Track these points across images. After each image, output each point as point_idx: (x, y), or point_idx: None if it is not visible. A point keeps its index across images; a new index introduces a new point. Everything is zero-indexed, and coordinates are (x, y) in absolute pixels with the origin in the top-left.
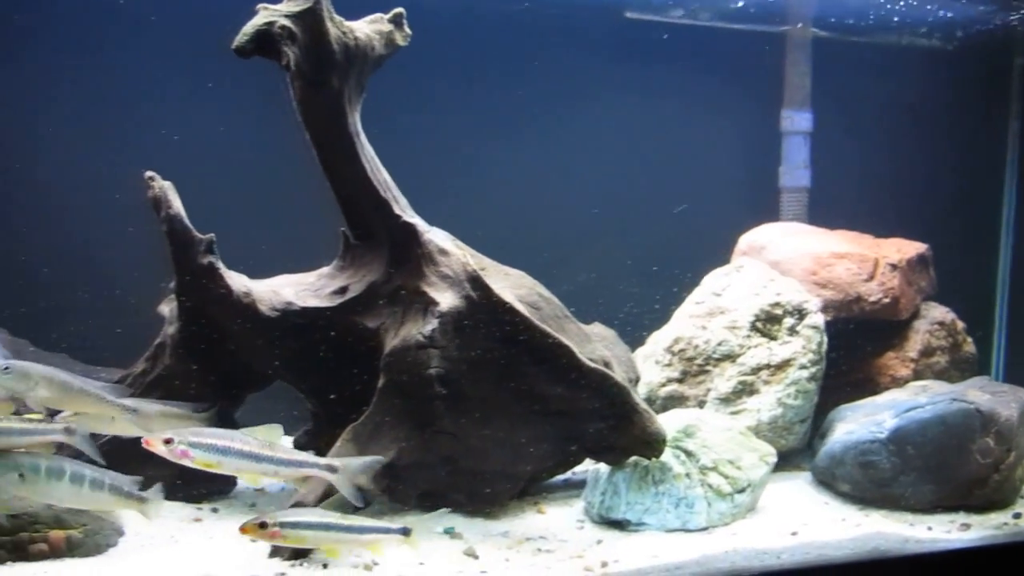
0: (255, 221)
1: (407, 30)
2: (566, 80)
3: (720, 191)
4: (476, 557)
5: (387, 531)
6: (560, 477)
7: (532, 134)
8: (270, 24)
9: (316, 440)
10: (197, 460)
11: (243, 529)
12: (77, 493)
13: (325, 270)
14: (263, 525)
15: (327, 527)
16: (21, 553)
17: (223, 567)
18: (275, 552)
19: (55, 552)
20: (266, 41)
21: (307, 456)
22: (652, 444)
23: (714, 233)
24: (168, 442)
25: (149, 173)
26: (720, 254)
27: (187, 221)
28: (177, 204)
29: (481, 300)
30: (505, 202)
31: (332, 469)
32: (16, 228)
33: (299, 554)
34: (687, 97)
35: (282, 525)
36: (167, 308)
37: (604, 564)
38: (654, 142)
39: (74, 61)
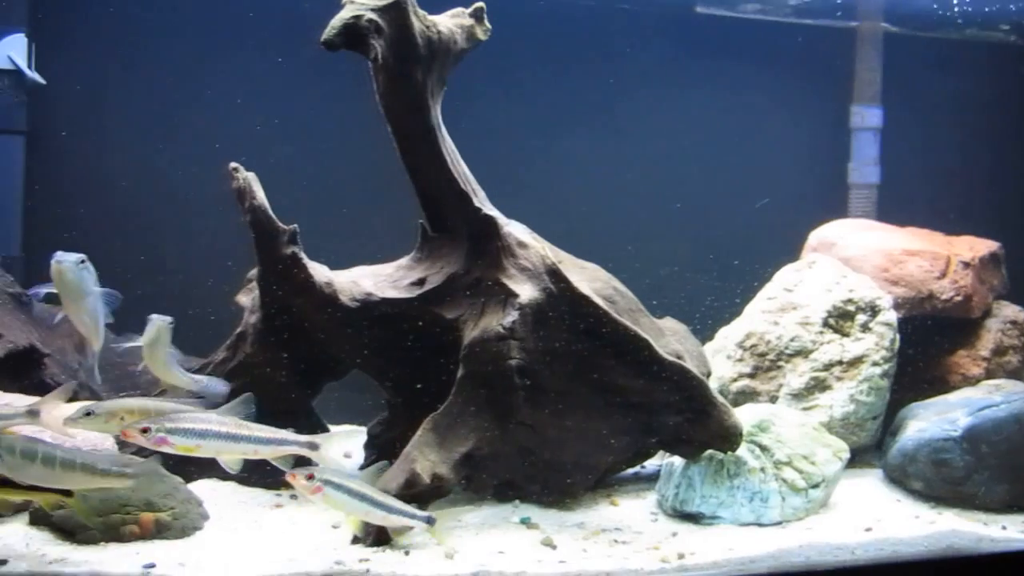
0: (330, 212)
1: (487, 24)
2: (638, 75)
3: (789, 187)
4: (554, 547)
5: (414, 516)
6: (630, 470)
7: (607, 129)
8: (357, 18)
9: (391, 429)
10: (177, 446)
11: (290, 476)
12: (50, 472)
13: (403, 261)
14: (309, 478)
15: (363, 498)
16: (114, 534)
17: (307, 552)
18: (358, 539)
19: (145, 534)
20: (354, 35)
21: (286, 433)
22: (729, 438)
23: (782, 229)
24: (145, 431)
25: (233, 164)
26: (788, 250)
27: (271, 212)
28: (261, 195)
29: (560, 292)
30: (579, 196)
31: (313, 446)
32: (112, 222)
33: (382, 540)
34: (758, 92)
35: (325, 483)
36: (245, 298)
37: (680, 556)
38: (725, 137)
39: (165, 55)
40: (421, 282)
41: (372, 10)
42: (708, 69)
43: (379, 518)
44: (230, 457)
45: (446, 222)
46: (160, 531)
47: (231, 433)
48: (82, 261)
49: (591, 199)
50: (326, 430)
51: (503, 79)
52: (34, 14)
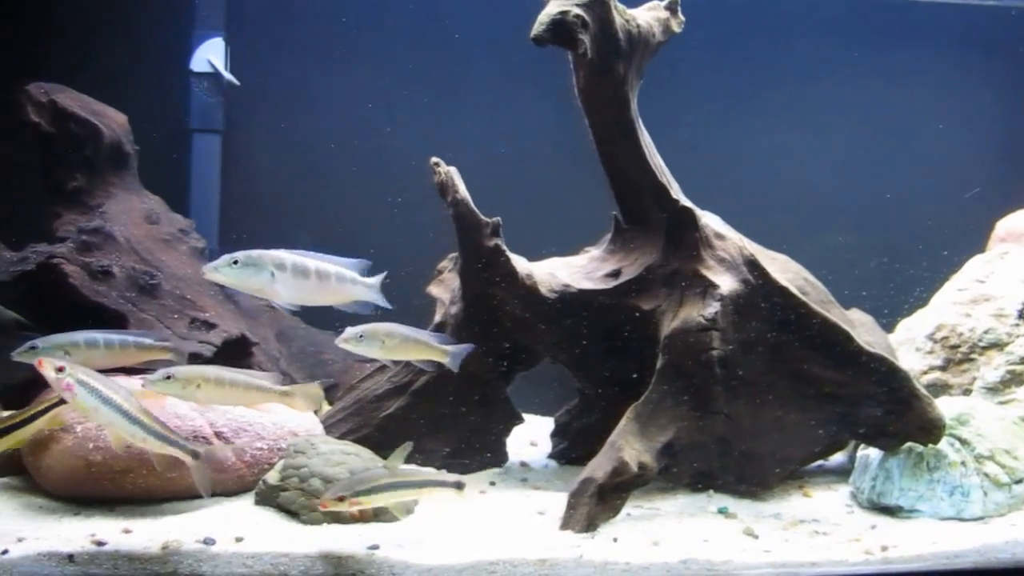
0: (515, 203)
1: (681, 16)
2: (814, 63)
3: (971, 175)
4: (756, 537)
5: (443, 484)
6: (816, 463)
7: (783, 120)
8: (564, 13)
9: (582, 418)
10: (77, 399)
11: (322, 505)
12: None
13: (595, 253)
14: (341, 499)
15: (394, 487)
16: (335, 516)
17: (517, 536)
18: (566, 524)
19: (363, 517)
20: (561, 30)
21: (178, 436)
22: (930, 430)
23: (963, 219)
24: (60, 370)
25: (434, 159)
26: (970, 239)
27: (473, 205)
28: (463, 188)
29: (758, 284)
30: (757, 187)
31: (195, 455)
32: (302, 217)
33: (590, 527)
34: (940, 79)
35: (357, 494)
36: (436, 289)
37: (884, 548)
38: (909, 126)
39: (353, 55)
40: (616, 273)
41: (577, 5)
42: (887, 55)
43: (139, 439)
44: (115, 433)
45: (640, 214)
46: (377, 514)
47: (130, 413)
48: (234, 262)
49: (768, 189)
50: (521, 420)
51: (684, 71)
52: (230, 18)
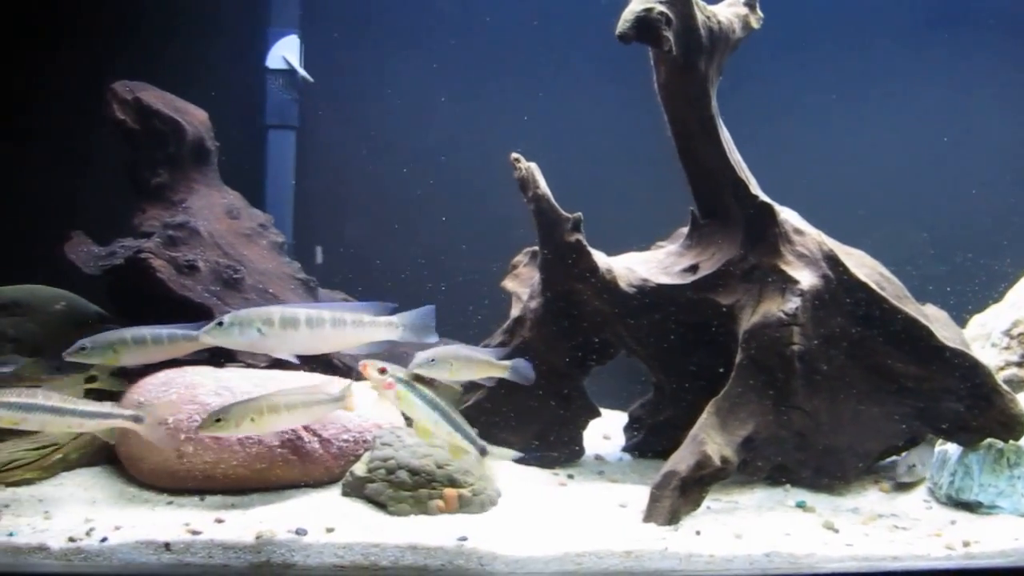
0: (586, 200)
1: (760, 12)
2: (906, 57)
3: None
4: (836, 531)
5: (474, 441)
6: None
7: (871, 113)
8: (648, 10)
9: (657, 412)
10: (3, 419)
11: (362, 366)
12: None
13: (672, 248)
14: (382, 371)
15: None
16: (422, 508)
17: (602, 528)
18: (649, 517)
19: (449, 508)
20: (646, 27)
21: (111, 407)
22: (1012, 427)
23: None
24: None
25: (514, 155)
26: None
27: (553, 200)
28: (544, 184)
29: (838, 279)
30: (833, 181)
31: (137, 419)
32: (373, 211)
33: (673, 519)
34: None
35: (400, 380)
36: (512, 283)
37: (966, 544)
38: (987, 120)
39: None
40: (694, 268)
41: (661, 2)
42: (969, 46)
43: (444, 433)
44: (58, 429)
45: (717, 209)
46: (462, 506)
47: (56, 407)
48: (219, 323)
49: (842, 184)
50: (598, 414)
51: (759, 67)
52: (304, 15)
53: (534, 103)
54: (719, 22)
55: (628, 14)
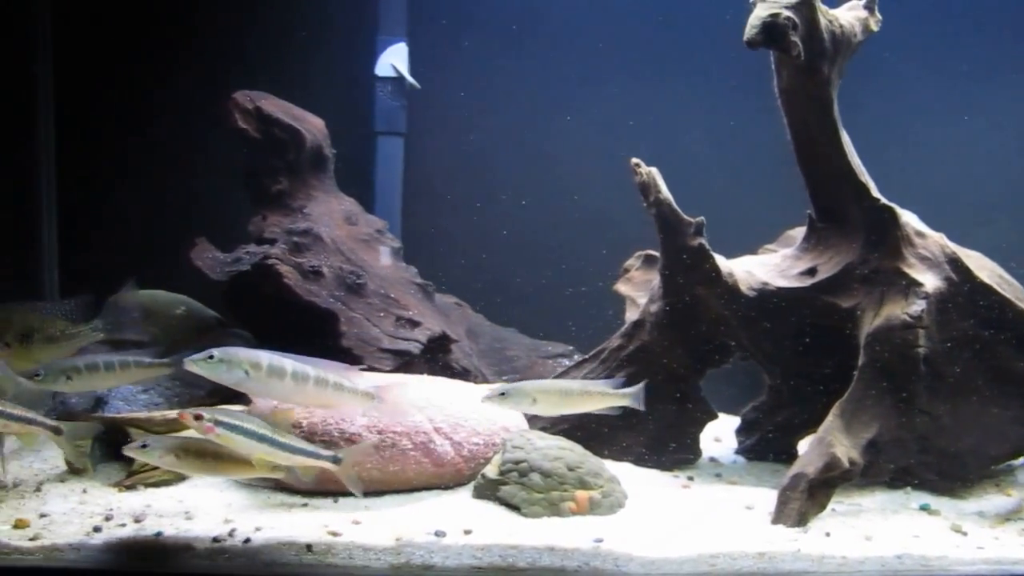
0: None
1: (878, 16)
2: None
3: None
4: (964, 533)
5: (318, 455)
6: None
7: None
8: (775, 16)
9: (773, 415)
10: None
11: (181, 416)
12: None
13: (788, 251)
14: (198, 418)
15: (261, 438)
16: (554, 510)
17: (733, 530)
18: (778, 518)
19: (580, 510)
20: (773, 32)
21: (35, 414)
22: None
23: None
24: (198, 418)
25: (635, 160)
26: None
27: (675, 205)
28: (665, 189)
29: (961, 281)
30: (952, 183)
31: (57, 430)
32: (481, 217)
33: (802, 521)
34: None
35: (218, 423)
36: (624, 287)
37: None
38: None
39: (530, 59)
40: (812, 271)
41: (786, 7)
42: None
43: (283, 458)
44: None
45: (835, 213)
46: (593, 508)
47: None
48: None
49: (955, 185)
50: (714, 416)
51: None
52: (411, 23)
53: (638, 107)
54: (841, 26)
55: (755, 20)
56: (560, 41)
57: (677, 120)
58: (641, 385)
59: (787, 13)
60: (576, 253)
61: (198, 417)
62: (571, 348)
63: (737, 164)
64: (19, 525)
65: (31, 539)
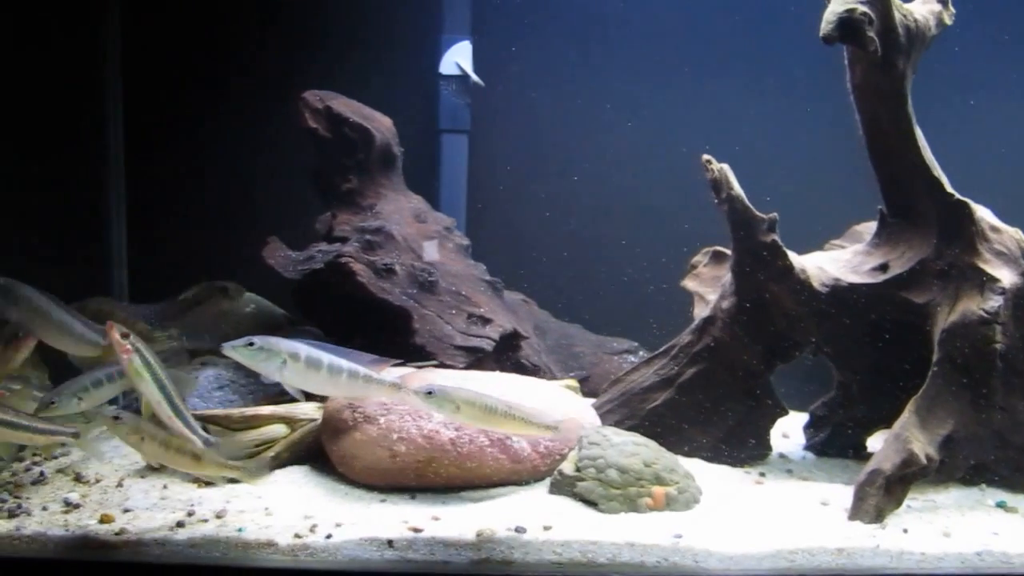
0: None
1: (952, 9)
2: None
3: None
4: None
5: (195, 431)
6: None
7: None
8: (851, 11)
9: (843, 410)
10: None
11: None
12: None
13: (859, 247)
14: (125, 335)
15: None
16: (631, 506)
17: (810, 526)
18: (855, 515)
19: (657, 506)
20: (850, 27)
21: (55, 424)
22: None
23: None
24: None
25: (706, 157)
26: None
27: (747, 202)
28: (737, 186)
29: None
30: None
31: (75, 435)
32: (546, 215)
33: (879, 517)
34: None
35: (138, 352)
36: (692, 283)
37: None
38: None
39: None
40: (884, 267)
41: (861, 2)
42: None
43: (164, 416)
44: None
45: (906, 208)
46: (669, 504)
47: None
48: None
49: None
50: (785, 412)
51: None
52: (475, 21)
53: (701, 102)
54: (915, 20)
55: (830, 15)
56: (624, 36)
57: (741, 115)
58: (567, 420)
59: (863, 8)
60: (639, 249)
61: (125, 335)
62: (636, 344)
63: (801, 158)
64: (105, 520)
65: (117, 534)
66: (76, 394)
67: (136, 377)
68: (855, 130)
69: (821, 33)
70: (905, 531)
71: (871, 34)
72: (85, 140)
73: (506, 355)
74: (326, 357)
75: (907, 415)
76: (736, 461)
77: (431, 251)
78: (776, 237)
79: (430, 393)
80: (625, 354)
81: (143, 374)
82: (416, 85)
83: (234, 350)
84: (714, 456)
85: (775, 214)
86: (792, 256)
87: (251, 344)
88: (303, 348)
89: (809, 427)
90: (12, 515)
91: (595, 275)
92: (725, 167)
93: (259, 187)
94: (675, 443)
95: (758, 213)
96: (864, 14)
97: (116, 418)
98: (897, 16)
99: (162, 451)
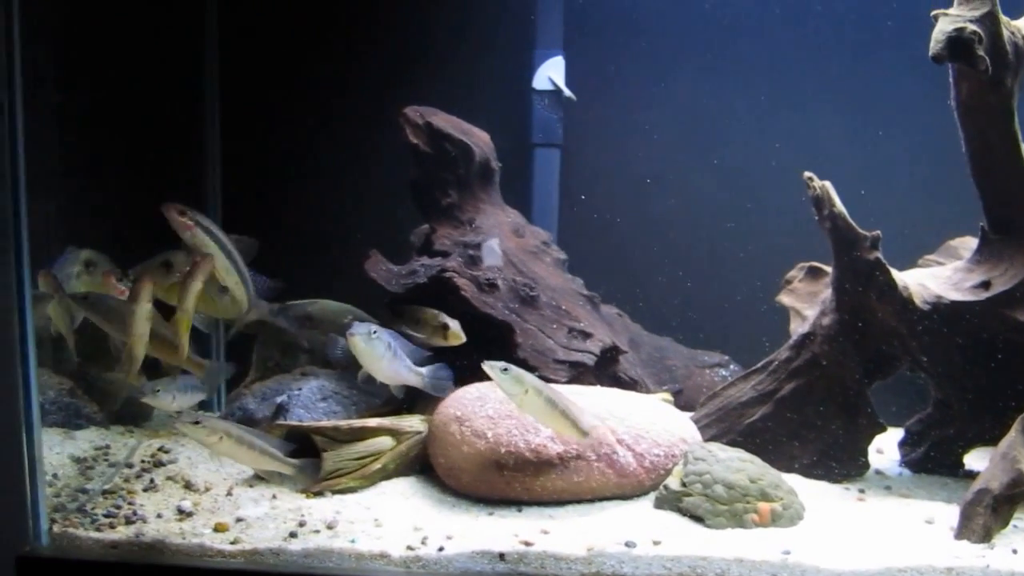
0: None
1: None
2: None
3: None
4: None
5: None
6: None
7: None
8: (961, 30)
9: (939, 428)
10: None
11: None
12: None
13: (959, 264)
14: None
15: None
16: (738, 521)
17: (917, 544)
18: (962, 534)
19: (763, 522)
20: (960, 47)
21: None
22: None
23: None
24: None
25: (807, 174)
26: None
27: (850, 219)
28: (839, 202)
29: None
30: None
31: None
32: (640, 229)
33: (987, 537)
34: None
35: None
36: (787, 298)
37: None
38: None
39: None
40: (986, 285)
41: (971, 21)
42: None
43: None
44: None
45: (1009, 225)
46: (774, 519)
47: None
48: (374, 332)
49: None
50: (884, 429)
51: None
52: (568, 36)
53: (795, 117)
54: (1022, 36)
55: (939, 34)
56: (718, 50)
57: (836, 130)
58: (598, 427)
59: (972, 27)
60: (730, 264)
61: (182, 212)
62: (727, 358)
63: (895, 174)
64: (219, 529)
65: (232, 543)
66: (172, 392)
67: (202, 247)
68: (946, 147)
69: (931, 52)
70: (1015, 551)
71: (981, 53)
72: (184, 154)
73: (604, 369)
74: (545, 386)
75: (1014, 434)
76: (833, 477)
77: (492, 253)
78: (879, 254)
79: (505, 370)
80: (717, 368)
81: (208, 243)
82: (509, 99)
83: (493, 371)
84: (811, 472)
85: (878, 232)
86: (895, 273)
87: (505, 370)
88: (539, 381)
89: (905, 443)
90: (129, 521)
91: (685, 288)
92: (827, 184)
93: (351, 199)
94: (772, 458)
95: (861, 230)
96: (974, 33)
97: (196, 422)
98: (1005, 33)
99: (237, 449)
